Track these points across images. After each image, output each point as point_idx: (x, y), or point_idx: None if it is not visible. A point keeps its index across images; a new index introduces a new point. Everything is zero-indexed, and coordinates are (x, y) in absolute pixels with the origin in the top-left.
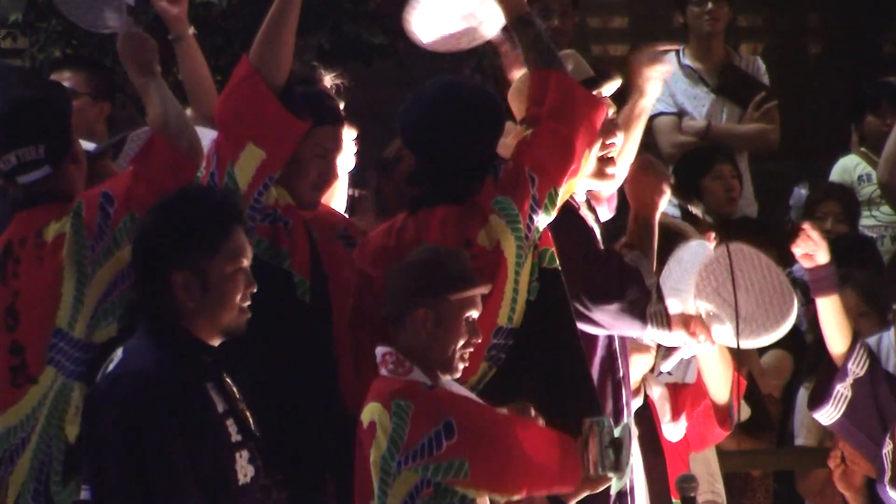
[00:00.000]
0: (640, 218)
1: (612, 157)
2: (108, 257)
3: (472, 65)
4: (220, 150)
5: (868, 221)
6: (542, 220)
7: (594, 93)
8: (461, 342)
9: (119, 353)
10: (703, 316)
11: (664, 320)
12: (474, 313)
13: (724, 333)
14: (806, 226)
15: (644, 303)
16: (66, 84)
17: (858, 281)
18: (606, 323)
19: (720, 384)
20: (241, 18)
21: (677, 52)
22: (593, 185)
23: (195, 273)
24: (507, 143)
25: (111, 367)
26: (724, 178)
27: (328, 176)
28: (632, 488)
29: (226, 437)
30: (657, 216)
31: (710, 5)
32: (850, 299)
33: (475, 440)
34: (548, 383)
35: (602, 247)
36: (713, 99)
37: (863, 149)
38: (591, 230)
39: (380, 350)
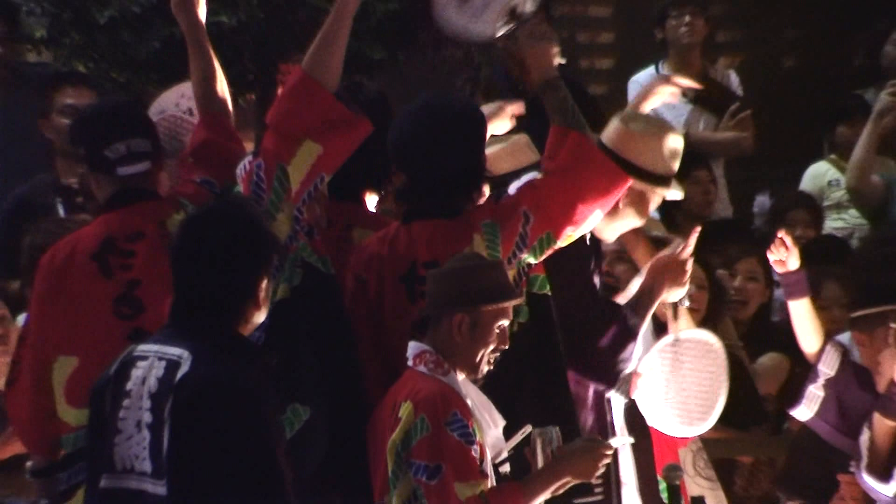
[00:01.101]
0: (646, 291)
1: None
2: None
3: (466, 76)
4: (269, 154)
5: (837, 224)
6: (528, 259)
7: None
8: (491, 348)
9: (186, 360)
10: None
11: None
12: (505, 322)
13: (659, 416)
14: (781, 234)
15: (619, 373)
16: (69, 101)
17: (838, 275)
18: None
19: None
20: (249, 35)
21: (656, 64)
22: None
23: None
24: (493, 154)
25: (168, 371)
26: (702, 183)
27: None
28: (619, 476)
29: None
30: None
31: (687, 18)
32: (833, 291)
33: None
34: (532, 399)
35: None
36: (691, 109)
37: (833, 156)
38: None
39: (416, 347)
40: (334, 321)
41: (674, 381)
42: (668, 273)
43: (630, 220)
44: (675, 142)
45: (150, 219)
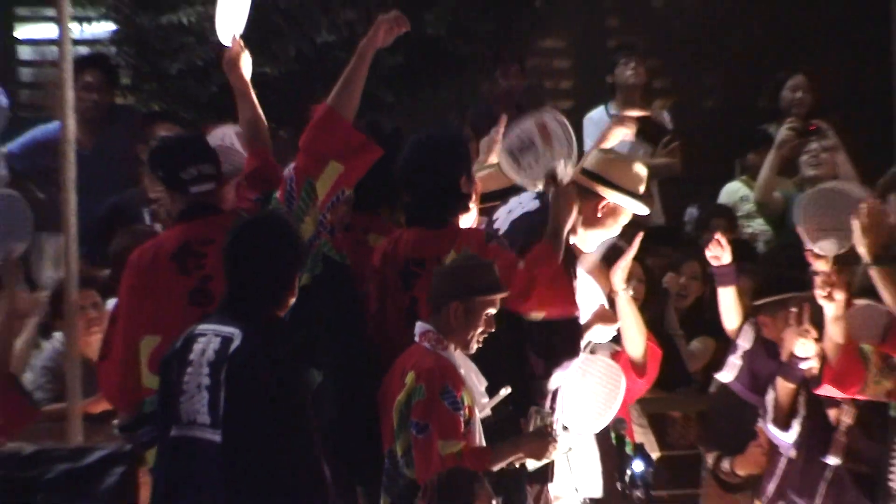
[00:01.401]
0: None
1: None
2: (301, 219)
3: (456, 114)
4: (300, 171)
5: (748, 230)
6: None
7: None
8: (480, 329)
9: (224, 333)
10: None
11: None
12: (492, 310)
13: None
14: (718, 235)
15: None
16: (162, 133)
17: (751, 271)
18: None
19: (637, 348)
20: (288, 82)
21: (606, 105)
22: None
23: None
24: (484, 176)
25: (223, 345)
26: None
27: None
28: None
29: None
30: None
31: (633, 64)
32: (747, 283)
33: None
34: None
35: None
36: (633, 140)
37: (744, 177)
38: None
39: (421, 326)
40: (348, 303)
41: (580, 386)
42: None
43: (606, 232)
44: (641, 169)
45: (218, 228)
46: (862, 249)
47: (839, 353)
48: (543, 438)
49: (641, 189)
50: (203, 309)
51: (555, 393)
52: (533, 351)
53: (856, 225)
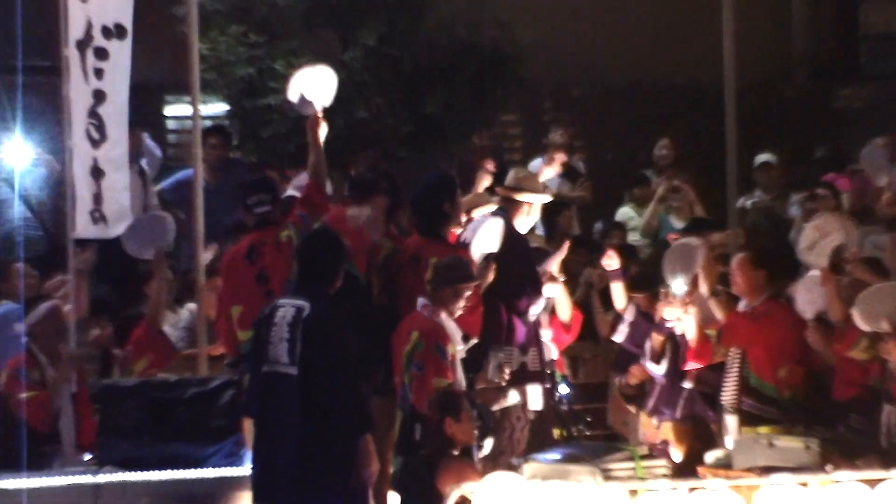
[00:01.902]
0: None
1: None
2: None
3: (447, 164)
4: (308, 204)
5: (632, 240)
6: None
7: None
8: (461, 304)
9: (296, 305)
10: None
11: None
12: (469, 292)
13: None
14: (609, 248)
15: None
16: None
17: (633, 268)
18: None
19: (565, 313)
20: (339, 143)
21: (542, 157)
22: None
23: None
24: (465, 201)
25: (298, 313)
26: (567, 217)
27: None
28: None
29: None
30: None
31: (560, 131)
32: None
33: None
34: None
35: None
36: (560, 179)
37: (631, 204)
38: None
39: (422, 301)
40: (359, 301)
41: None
42: None
43: (530, 219)
44: (539, 178)
45: (272, 235)
46: (703, 286)
47: (695, 341)
48: (499, 391)
49: (541, 188)
50: (264, 287)
51: (536, 325)
52: (514, 299)
53: (697, 268)
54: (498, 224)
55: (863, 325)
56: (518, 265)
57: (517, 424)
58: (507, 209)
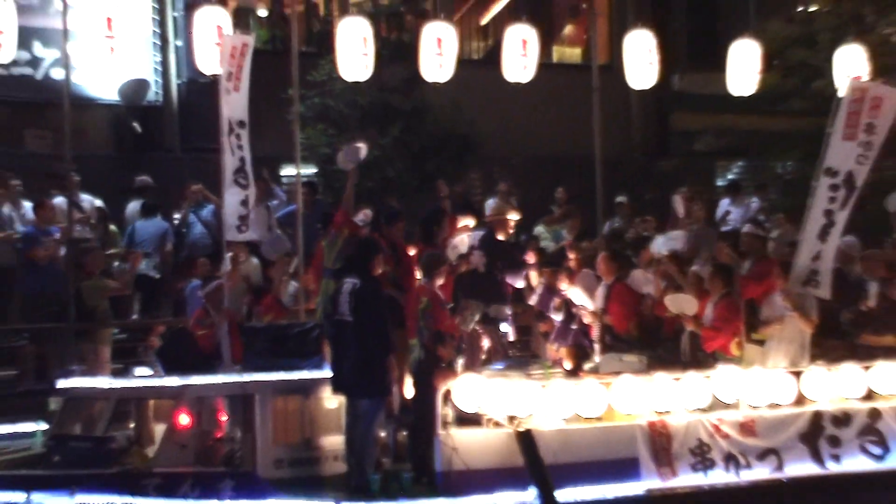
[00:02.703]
0: None
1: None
2: (334, 246)
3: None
4: (339, 226)
5: (544, 245)
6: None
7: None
8: (441, 279)
9: (352, 281)
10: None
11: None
12: (445, 272)
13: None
14: (530, 249)
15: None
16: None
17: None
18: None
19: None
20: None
21: (493, 198)
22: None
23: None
24: (494, 206)
25: (354, 286)
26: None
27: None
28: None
29: None
30: None
31: (504, 183)
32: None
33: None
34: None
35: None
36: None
37: (543, 224)
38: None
39: (423, 279)
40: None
41: None
42: None
43: (507, 231)
44: (503, 204)
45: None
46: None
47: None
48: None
49: (511, 213)
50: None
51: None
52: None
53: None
54: (481, 234)
55: (671, 307)
56: (499, 256)
57: (477, 350)
58: (494, 226)
